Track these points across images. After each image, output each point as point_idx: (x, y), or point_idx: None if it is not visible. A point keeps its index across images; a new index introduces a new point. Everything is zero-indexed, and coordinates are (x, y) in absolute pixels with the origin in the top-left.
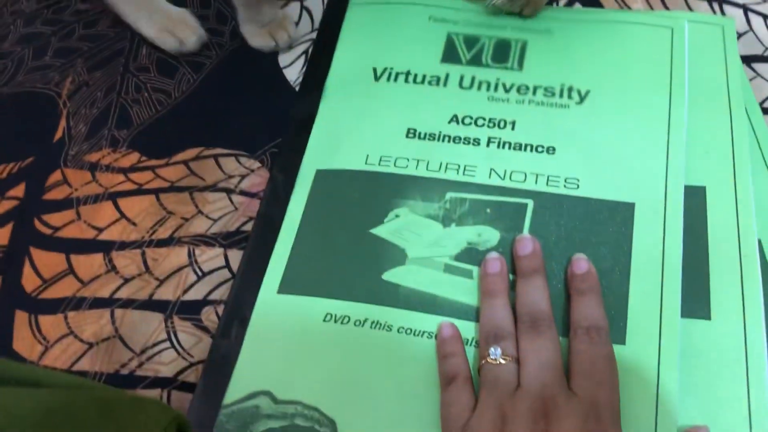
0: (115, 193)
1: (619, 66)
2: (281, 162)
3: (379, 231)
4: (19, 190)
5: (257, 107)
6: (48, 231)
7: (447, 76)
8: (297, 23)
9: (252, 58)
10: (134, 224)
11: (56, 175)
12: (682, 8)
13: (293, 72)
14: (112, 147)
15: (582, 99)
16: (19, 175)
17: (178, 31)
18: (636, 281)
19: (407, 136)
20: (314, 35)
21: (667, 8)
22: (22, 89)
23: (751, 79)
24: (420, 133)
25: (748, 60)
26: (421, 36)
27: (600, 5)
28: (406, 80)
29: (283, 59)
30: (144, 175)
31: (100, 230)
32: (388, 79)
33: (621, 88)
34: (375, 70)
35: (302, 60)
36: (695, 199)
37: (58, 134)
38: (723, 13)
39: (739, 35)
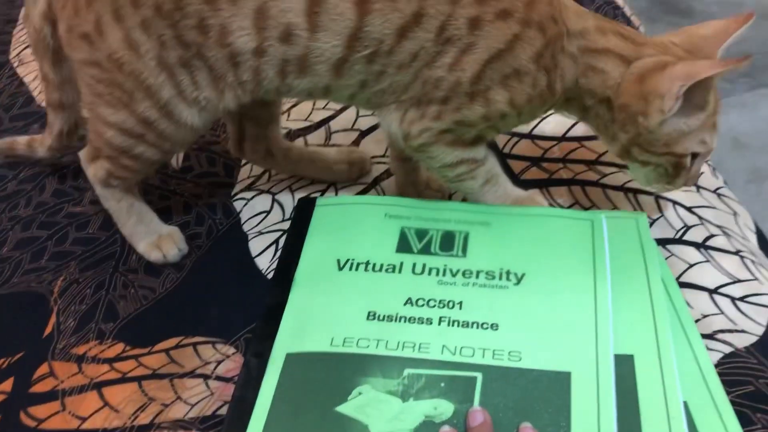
0: (99, 382)
1: (549, 252)
2: (254, 347)
3: (345, 409)
4: (7, 385)
5: (232, 298)
6: (33, 423)
7: (401, 264)
8: (268, 212)
9: (226, 251)
10: (117, 411)
11: (43, 368)
12: (601, 198)
13: (264, 261)
14: (99, 339)
15: (519, 281)
16: (8, 370)
17: (164, 246)
18: None
19: (368, 319)
20: (283, 225)
21: (588, 198)
22: (17, 289)
23: (666, 258)
24: (379, 316)
25: (662, 242)
26: (378, 230)
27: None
28: (366, 269)
29: (254, 248)
30: (128, 363)
31: (84, 419)
32: (350, 268)
33: (552, 271)
34: (338, 261)
35: (273, 248)
36: (625, 366)
37: (48, 329)
38: (637, 200)
39: (653, 221)
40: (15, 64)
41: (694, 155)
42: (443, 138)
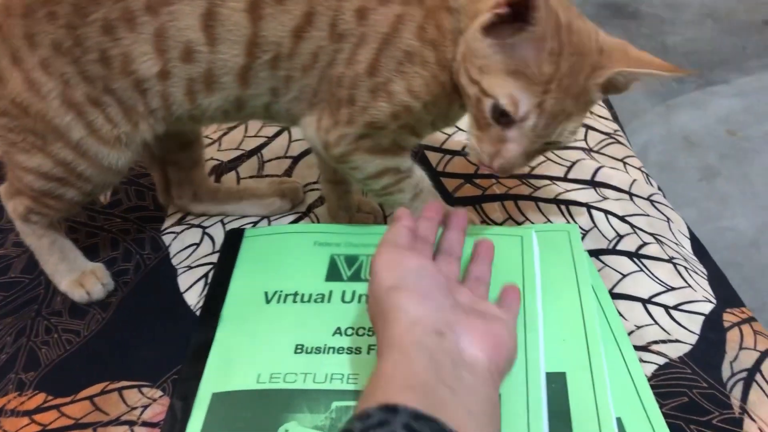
0: None
1: None
2: (180, 389)
3: None
4: None
5: (160, 336)
6: None
7: (330, 293)
8: (198, 245)
9: (154, 287)
10: None
11: None
12: (534, 212)
13: (193, 296)
14: (19, 390)
15: None
16: None
17: (87, 283)
18: None
19: (295, 352)
20: (213, 257)
21: (522, 213)
22: None
23: (600, 269)
24: (307, 348)
25: (596, 253)
26: (307, 259)
27: None
28: (294, 300)
29: (183, 283)
30: (49, 415)
31: None
32: (278, 301)
33: None
34: (266, 294)
35: (202, 283)
36: (557, 383)
37: None
38: (569, 212)
39: (586, 232)
40: None
41: (503, 114)
42: (362, 145)
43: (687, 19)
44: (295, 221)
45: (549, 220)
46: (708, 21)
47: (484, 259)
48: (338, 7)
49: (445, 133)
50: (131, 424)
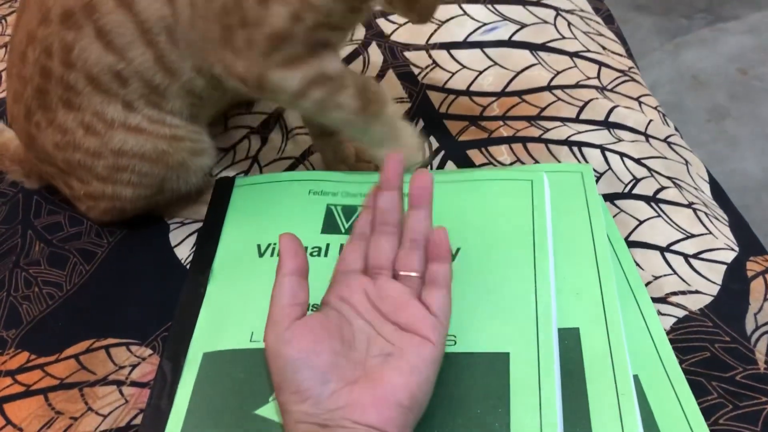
0: (1, 398)
1: (484, 223)
2: (169, 348)
3: (264, 411)
4: None
5: (149, 292)
6: None
7: (327, 246)
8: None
9: (144, 240)
10: (20, 430)
11: None
12: (544, 154)
13: (184, 250)
14: (0, 349)
15: (453, 257)
16: None
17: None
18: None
19: None
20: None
21: (530, 155)
22: None
23: (614, 215)
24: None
25: (610, 197)
26: (302, 210)
27: (470, 159)
28: None
29: (174, 237)
30: (32, 374)
31: None
32: (272, 254)
33: (487, 243)
34: (259, 246)
35: (194, 238)
36: (570, 340)
37: None
38: (582, 154)
39: (600, 175)
40: None
41: None
42: (273, 60)
43: None
44: (289, 168)
45: (560, 162)
46: None
47: (421, 209)
48: None
49: (449, 71)
50: (119, 383)
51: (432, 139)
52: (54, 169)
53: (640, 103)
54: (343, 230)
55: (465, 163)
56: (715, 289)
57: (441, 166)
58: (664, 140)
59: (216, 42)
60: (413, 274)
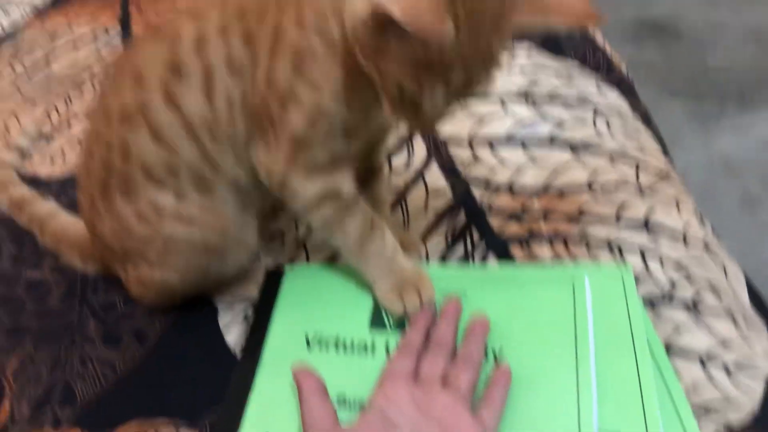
0: None
1: (528, 323)
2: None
3: None
4: None
5: (199, 375)
6: None
7: (374, 342)
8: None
9: (194, 323)
10: None
11: None
12: (584, 254)
13: (233, 334)
14: (55, 426)
15: (497, 357)
16: None
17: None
18: None
19: (337, 404)
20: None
21: (570, 253)
22: None
23: (653, 320)
24: (349, 402)
25: (649, 301)
26: (350, 303)
27: (511, 255)
28: (336, 348)
29: (223, 320)
30: None
31: None
32: (320, 347)
33: (530, 344)
34: (307, 338)
35: (242, 322)
36: None
37: (2, 418)
38: (622, 256)
39: (639, 279)
40: None
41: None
42: (297, 164)
43: (729, 40)
44: (335, 256)
45: (600, 263)
46: (751, 42)
47: (477, 336)
48: (226, 45)
49: (491, 166)
50: None
51: (474, 232)
52: (112, 254)
53: (677, 204)
54: (389, 327)
55: (506, 258)
56: (755, 404)
57: (482, 261)
58: (702, 244)
59: (252, 139)
60: (463, 386)
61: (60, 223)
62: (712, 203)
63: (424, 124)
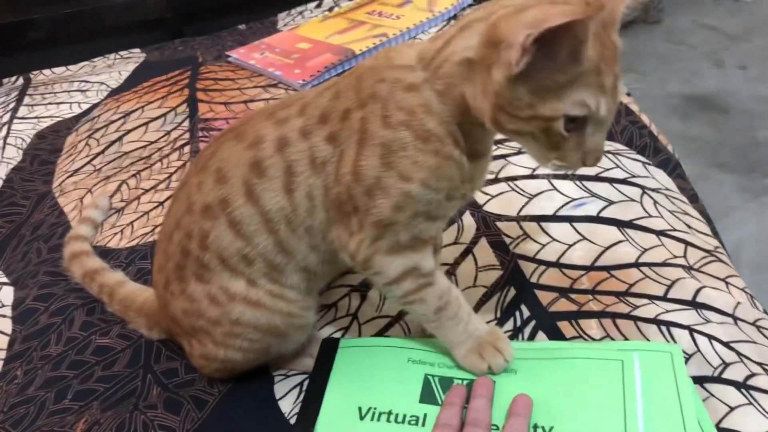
0: None
1: (578, 400)
2: None
3: None
4: None
5: None
6: None
7: (425, 416)
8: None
9: (251, 392)
10: None
11: None
12: (633, 331)
13: (287, 403)
14: None
15: None
16: None
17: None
18: None
19: None
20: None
21: (620, 332)
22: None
23: (704, 400)
24: None
25: (700, 380)
26: (401, 377)
27: (560, 332)
28: (388, 420)
29: (278, 390)
30: None
31: None
32: (372, 418)
33: (580, 423)
34: (360, 409)
35: (297, 391)
36: None
37: None
38: (671, 334)
39: (689, 357)
40: (56, 194)
41: (573, 120)
42: (380, 246)
43: None
44: (386, 327)
45: (648, 341)
46: None
47: (519, 416)
48: (310, 146)
49: (540, 243)
50: None
51: (523, 307)
52: (180, 329)
53: (727, 284)
54: (439, 401)
55: (555, 335)
56: None
57: (531, 336)
58: (753, 324)
59: (334, 224)
60: None
61: (128, 291)
62: (766, 277)
63: (597, 148)
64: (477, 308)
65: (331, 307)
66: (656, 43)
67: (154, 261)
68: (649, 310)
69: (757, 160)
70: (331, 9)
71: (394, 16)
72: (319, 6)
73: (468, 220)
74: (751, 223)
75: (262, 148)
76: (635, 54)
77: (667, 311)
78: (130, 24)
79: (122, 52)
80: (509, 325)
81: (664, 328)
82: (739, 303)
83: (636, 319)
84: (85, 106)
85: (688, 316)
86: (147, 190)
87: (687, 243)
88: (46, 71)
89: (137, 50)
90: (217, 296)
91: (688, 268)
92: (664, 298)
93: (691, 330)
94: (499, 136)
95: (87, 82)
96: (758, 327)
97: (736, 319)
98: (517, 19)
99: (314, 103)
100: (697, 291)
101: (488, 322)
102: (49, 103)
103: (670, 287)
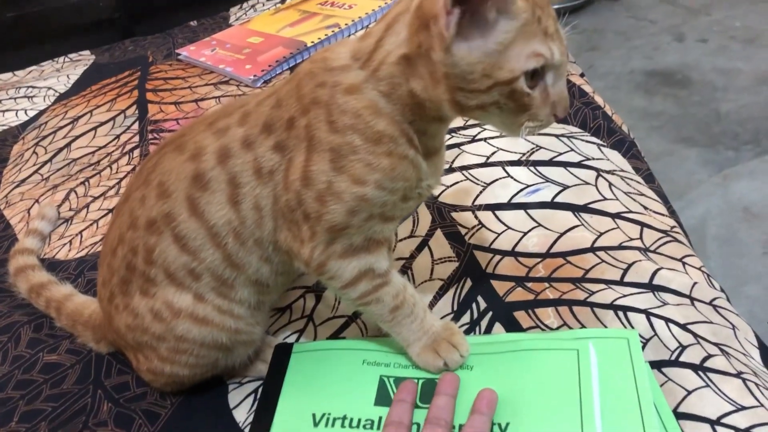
0: None
1: (533, 395)
2: None
3: None
4: None
5: None
6: None
7: (380, 419)
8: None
9: (204, 402)
10: None
11: None
12: (590, 318)
13: (242, 412)
14: None
15: (504, 431)
16: None
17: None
18: None
19: None
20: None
21: (577, 319)
22: None
23: (662, 384)
24: None
25: (657, 365)
26: (355, 380)
27: (517, 322)
28: (343, 425)
29: (232, 398)
30: None
31: None
32: (326, 424)
33: (536, 417)
34: (314, 415)
35: (251, 399)
36: None
37: None
38: (628, 319)
39: (646, 341)
40: (2, 206)
41: (533, 75)
42: (333, 251)
43: (740, 86)
44: (342, 327)
45: (605, 327)
46: (763, 87)
47: (482, 415)
48: (255, 157)
49: (495, 232)
50: None
51: (480, 299)
52: (125, 344)
53: (683, 264)
54: None
55: (512, 325)
56: None
57: (489, 328)
58: (710, 303)
59: (281, 231)
60: None
61: (75, 305)
62: (733, 249)
63: (562, 95)
64: (434, 302)
65: (285, 310)
66: (618, 20)
67: (98, 274)
68: (606, 295)
69: (720, 132)
70: (283, 1)
71: (347, 6)
72: None
73: (423, 212)
74: (717, 195)
75: (203, 160)
76: (598, 32)
77: (624, 296)
78: (80, 25)
79: (71, 55)
80: (466, 317)
81: (621, 313)
82: (696, 283)
83: (592, 305)
84: (32, 113)
85: (645, 300)
86: (96, 198)
87: (643, 224)
88: None
89: (87, 52)
90: (160, 311)
91: (645, 250)
92: (620, 282)
93: (647, 313)
94: (453, 124)
95: (34, 87)
96: (715, 306)
97: (692, 299)
98: None
99: (256, 112)
100: (654, 273)
101: (445, 316)
102: None
103: (626, 271)
